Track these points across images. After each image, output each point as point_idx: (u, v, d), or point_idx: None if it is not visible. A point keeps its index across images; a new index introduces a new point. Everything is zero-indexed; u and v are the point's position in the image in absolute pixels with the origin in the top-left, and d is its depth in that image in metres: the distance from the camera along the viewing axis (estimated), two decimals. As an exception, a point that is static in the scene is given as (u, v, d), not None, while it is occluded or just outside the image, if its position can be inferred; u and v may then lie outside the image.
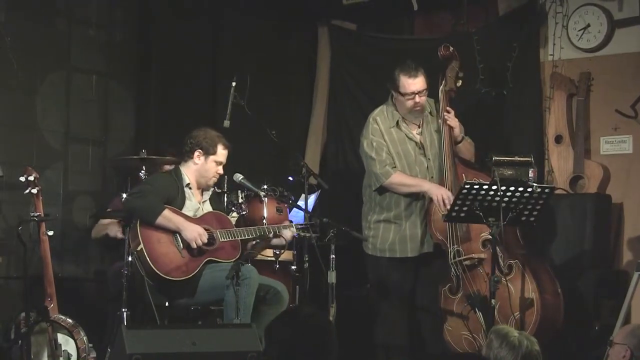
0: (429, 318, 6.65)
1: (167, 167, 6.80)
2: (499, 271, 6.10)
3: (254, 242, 6.31)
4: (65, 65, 7.40)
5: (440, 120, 6.63)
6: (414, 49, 7.98)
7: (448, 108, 6.62)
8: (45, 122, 7.22)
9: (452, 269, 6.43)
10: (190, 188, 6.26)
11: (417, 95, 6.54)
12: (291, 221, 6.75)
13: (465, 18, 7.92)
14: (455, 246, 6.42)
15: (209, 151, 6.25)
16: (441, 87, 6.68)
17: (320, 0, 8.34)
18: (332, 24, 8.48)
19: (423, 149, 6.65)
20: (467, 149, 6.69)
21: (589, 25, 7.42)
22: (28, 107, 7.14)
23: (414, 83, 6.53)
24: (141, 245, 5.97)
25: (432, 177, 6.62)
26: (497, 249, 6.09)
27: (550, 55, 7.57)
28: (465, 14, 7.92)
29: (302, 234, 6.39)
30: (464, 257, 6.40)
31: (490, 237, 6.11)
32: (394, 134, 6.64)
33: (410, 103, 6.56)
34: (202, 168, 6.26)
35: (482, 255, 6.36)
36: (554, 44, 7.54)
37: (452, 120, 6.59)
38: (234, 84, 6.52)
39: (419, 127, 6.68)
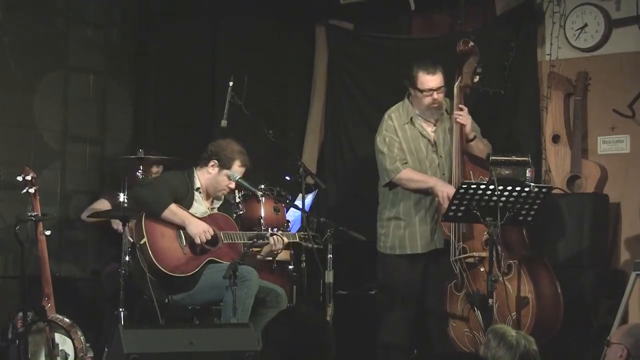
0: (436, 316, 6.65)
1: (155, 169, 6.80)
2: (497, 270, 6.11)
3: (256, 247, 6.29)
4: (64, 64, 7.41)
5: (452, 117, 6.63)
6: (411, 49, 7.99)
7: (461, 105, 6.61)
8: (43, 122, 7.23)
9: (453, 267, 6.43)
10: (200, 193, 6.26)
11: (435, 92, 6.55)
12: (289, 221, 6.76)
13: (463, 18, 7.92)
14: (461, 243, 6.42)
15: (224, 165, 6.24)
16: (456, 83, 6.65)
17: (318, 0, 8.34)
18: (329, 24, 8.48)
19: (435, 146, 6.66)
20: (479, 149, 6.64)
21: (586, 25, 7.43)
22: (26, 107, 7.14)
23: (432, 79, 6.53)
24: (144, 239, 5.98)
25: (443, 174, 6.62)
26: (498, 248, 6.11)
27: (548, 54, 7.57)
28: (463, 13, 7.92)
29: (304, 243, 6.39)
30: (465, 255, 6.40)
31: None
32: (407, 130, 6.66)
33: (428, 100, 6.56)
34: (214, 179, 6.26)
35: (483, 254, 6.33)
36: (552, 44, 7.54)
37: (464, 118, 6.58)
38: (231, 83, 6.52)
39: (434, 125, 6.70)
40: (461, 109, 6.58)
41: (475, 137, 6.65)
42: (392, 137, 6.63)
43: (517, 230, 6.40)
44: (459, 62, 6.68)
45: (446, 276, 6.52)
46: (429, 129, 6.68)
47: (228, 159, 6.24)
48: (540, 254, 6.65)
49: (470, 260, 6.38)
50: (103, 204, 7.04)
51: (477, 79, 6.67)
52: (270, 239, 6.22)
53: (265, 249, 6.29)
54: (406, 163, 6.59)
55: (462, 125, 6.57)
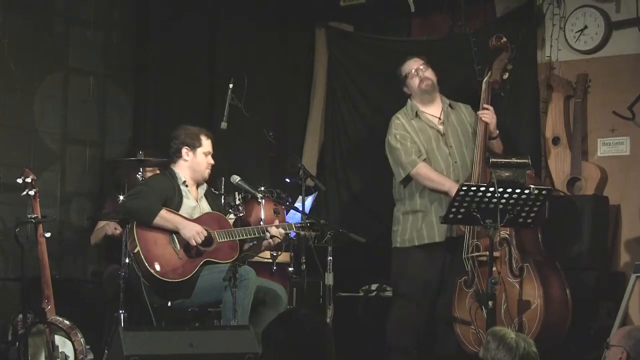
0: (444, 311, 6.66)
1: (149, 170, 6.80)
2: (491, 272, 6.14)
3: (251, 244, 6.31)
4: (63, 66, 7.41)
5: (477, 114, 6.66)
6: (411, 50, 7.97)
7: (486, 105, 6.64)
8: (42, 124, 7.22)
9: (465, 264, 6.43)
10: (186, 186, 6.27)
11: (420, 70, 6.68)
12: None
13: (463, 19, 7.93)
14: (475, 240, 6.43)
15: (194, 145, 6.30)
16: (485, 78, 6.72)
17: (318, 2, 8.34)
18: (329, 26, 8.48)
19: (445, 136, 6.70)
20: (499, 147, 6.73)
21: (586, 27, 7.43)
22: (26, 109, 7.14)
23: (413, 60, 6.73)
24: (138, 248, 5.96)
25: (455, 162, 6.67)
26: (512, 249, 6.23)
27: (548, 56, 7.57)
28: (463, 15, 7.93)
29: (302, 232, 6.39)
30: (477, 254, 6.40)
31: (507, 236, 6.24)
32: (414, 124, 6.75)
33: (416, 81, 6.71)
34: (193, 162, 6.30)
35: (495, 253, 6.28)
36: (552, 46, 7.54)
37: (489, 116, 6.62)
38: (231, 85, 6.53)
39: (439, 118, 6.74)
40: (486, 108, 6.62)
41: (498, 135, 6.69)
42: (402, 133, 6.72)
43: (532, 233, 6.41)
44: (491, 58, 6.71)
45: (458, 271, 6.52)
46: (436, 121, 6.75)
47: (194, 138, 6.32)
48: (552, 258, 6.62)
49: (483, 258, 6.37)
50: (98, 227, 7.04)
51: (506, 75, 6.74)
52: (267, 233, 6.23)
53: (264, 243, 6.30)
54: (422, 155, 6.64)
55: (486, 124, 6.59)
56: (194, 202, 6.27)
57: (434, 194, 6.64)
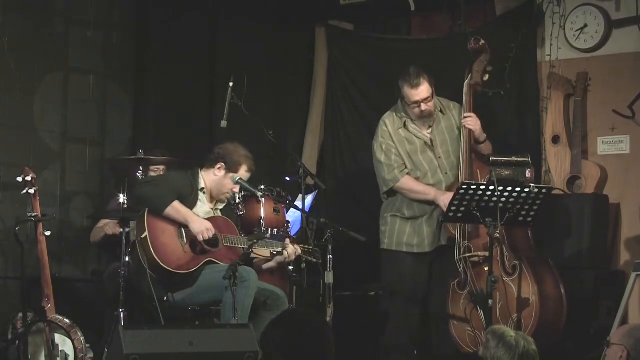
0: (438, 313, 6.65)
1: (154, 168, 6.79)
2: (502, 271, 6.12)
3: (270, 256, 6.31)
4: (63, 66, 7.41)
5: (462, 121, 6.63)
6: (411, 50, 8.00)
7: (466, 114, 6.59)
8: (43, 123, 7.23)
9: (458, 265, 6.43)
10: (204, 193, 6.26)
11: (422, 104, 6.56)
12: (288, 221, 6.76)
13: (463, 19, 7.93)
14: (466, 242, 6.43)
15: (231, 168, 6.23)
16: (466, 81, 6.68)
17: (318, 1, 8.34)
18: (329, 24, 8.48)
19: (432, 146, 6.66)
20: (489, 149, 6.71)
21: (586, 26, 7.43)
22: (26, 108, 7.14)
23: (417, 93, 6.55)
24: (146, 233, 5.97)
25: (446, 174, 6.64)
26: (504, 248, 6.22)
27: (548, 55, 7.57)
28: (463, 14, 7.93)
29: (306, 257, 6.38)
30: (470, 255, 6.40)
31: (498, 235, 6.20)
32: (401, 134, 6.69)
33: (416, 111, 6.61)
34: (219, 181, 6.25)
35: (487, 254, 6.32)
36: (551, 45, 7.54)
37: (472, 124, 6.59)
38: (231, 84, 6.52)
39: (429, 127, 6.70)
40: (469, 116, 6.58)
41: (486, 139, 6.66)
42: (388, 142, 6.67)
43: (523, 231, 6.41)
44: (470, 60, 6.70)
45: (450, 274, 6.52)
46: (425, 131, 6.70)
47: (235, 163, 6.23)
48: (544, 255, 6.64)
49: (475, 259, 6.38)
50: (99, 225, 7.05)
51: (487, 77, 6.71)
52: (285, 251, 6.22)
53: (278, 259, 6.29)
54: (405, 169, 6.60)
55: (470, 131, 6.57)
56: (209, 209, 6.27)
57: (423, 204, 6.62)
